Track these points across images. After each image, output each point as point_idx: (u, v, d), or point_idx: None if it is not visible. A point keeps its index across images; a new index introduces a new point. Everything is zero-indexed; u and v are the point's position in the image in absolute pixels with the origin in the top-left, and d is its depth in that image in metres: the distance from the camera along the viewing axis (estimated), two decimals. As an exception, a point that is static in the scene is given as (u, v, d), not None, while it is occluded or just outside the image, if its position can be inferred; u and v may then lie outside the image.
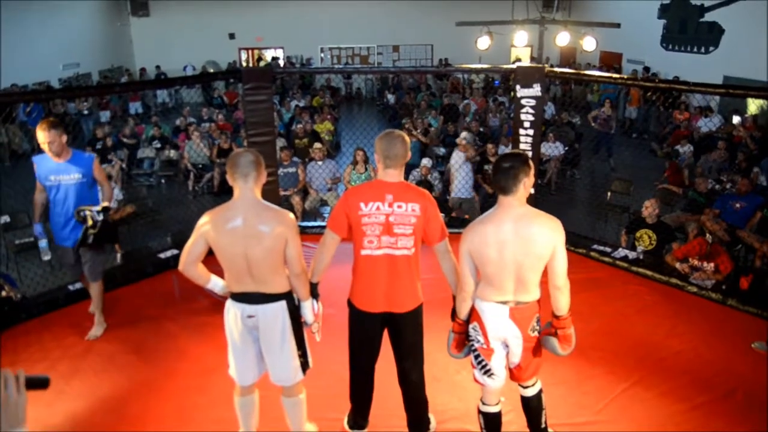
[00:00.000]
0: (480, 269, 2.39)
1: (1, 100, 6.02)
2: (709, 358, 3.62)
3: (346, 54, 18.58)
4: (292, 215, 2.46)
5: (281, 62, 18.00)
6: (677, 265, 4.67)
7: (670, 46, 13.53)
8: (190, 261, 2.44)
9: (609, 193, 7.30)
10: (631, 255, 4.98)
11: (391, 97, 14.80)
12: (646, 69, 13.76)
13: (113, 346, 3.78)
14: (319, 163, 6.94)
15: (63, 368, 3.51)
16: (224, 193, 7.12)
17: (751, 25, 10.70)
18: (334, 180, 6.96)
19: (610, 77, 7.91)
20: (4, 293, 4.05)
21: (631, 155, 9.97)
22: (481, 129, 9.51)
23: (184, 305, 4.30)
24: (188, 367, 3.55)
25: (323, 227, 2.63)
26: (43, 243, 3.84)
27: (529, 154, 4.90)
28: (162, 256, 4.93)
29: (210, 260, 2.47)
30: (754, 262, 5.09)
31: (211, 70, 15.92)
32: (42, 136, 3.50)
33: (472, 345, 2.52)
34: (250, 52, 18.46)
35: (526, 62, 14.57)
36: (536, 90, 4.98)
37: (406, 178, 4.64)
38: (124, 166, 8.75)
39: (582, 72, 8.69)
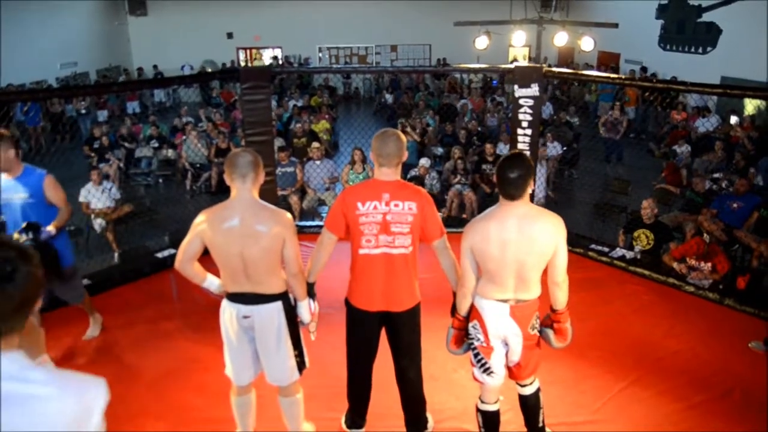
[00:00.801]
0: (481, 266, 2.39)
1: (-1, 99, 6.00)
2: (707, 357, 3.62)
3: (344, 54, 18.58)
4: (289, 215, 2.44)
5: (280, 62, 17.99)
6: (675, 264, 4.68)
7: (668, 47, 13.53)
8: (185, 259, 2.43)
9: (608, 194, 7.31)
10: (629, 255, 4.99)
11: (389, 97, 14.80)
12: (644, 69, 13.76)
13: (110, 346, 3.76)
14: (317, 162, 6.93)
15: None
16: (222, 192, 7.07)
17: (749, 26, 10.71)
18: (332, 179, 6.95)
19: (608, 77, 7.92)
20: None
21: (628, 155, 9.98)
22: (479, 129, 9.52)
23: (181, 305, 4.30)
24: (185, 366, 3.54)
25: (321, 227, 2.62)
26: None
27: (528, 153, 4.90)
28: (159, 255, 4.92)
29: (207, 259, 2.46)
30: (751, 262, 5.11)
31: (209, 70, 15.90)
32: None
33: (472, 343, 2.52)
34: (248, 51, 18.44)
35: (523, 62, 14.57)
36: (534, 90, 4.99)
37: (405, 177, 4.62)
38: (121, 165, 8.77)
39: (580, 72, 8.69)
